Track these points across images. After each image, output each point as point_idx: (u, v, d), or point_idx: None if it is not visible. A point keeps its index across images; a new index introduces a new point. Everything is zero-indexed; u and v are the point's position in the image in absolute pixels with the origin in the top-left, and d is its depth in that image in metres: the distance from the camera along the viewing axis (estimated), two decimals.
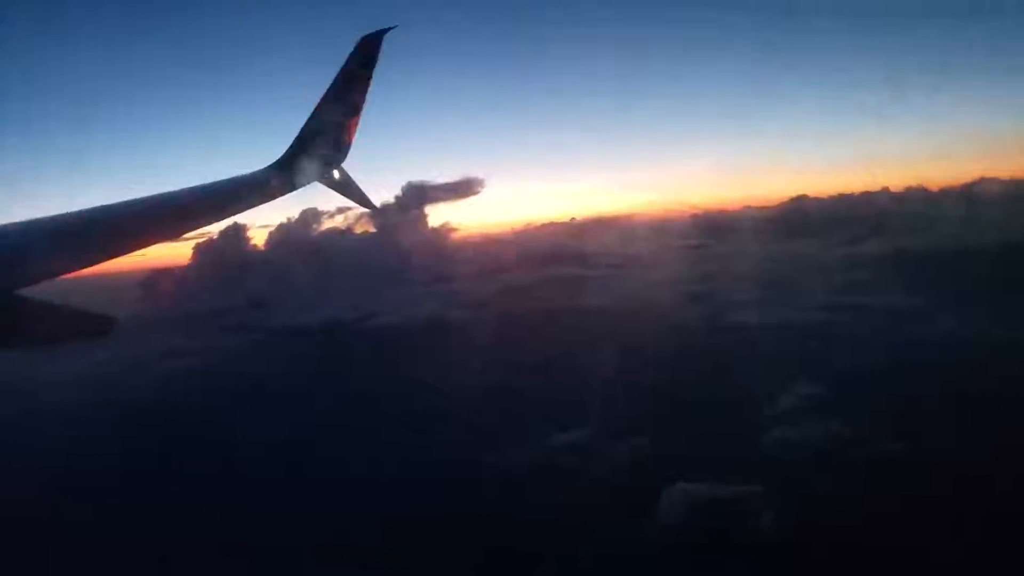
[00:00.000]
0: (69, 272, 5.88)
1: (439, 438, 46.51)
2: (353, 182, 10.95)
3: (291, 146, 9.83)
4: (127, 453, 47.85)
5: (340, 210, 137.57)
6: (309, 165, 9.92)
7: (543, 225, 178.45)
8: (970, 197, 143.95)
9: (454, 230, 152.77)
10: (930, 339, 57.01)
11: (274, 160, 9.83)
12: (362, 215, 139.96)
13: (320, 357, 70.62)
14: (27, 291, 5.19)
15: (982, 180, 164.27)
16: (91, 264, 6.18)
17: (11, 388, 57.83)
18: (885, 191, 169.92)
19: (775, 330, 65.24)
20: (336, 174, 10.59)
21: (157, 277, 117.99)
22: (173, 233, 7.52)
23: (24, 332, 5.22)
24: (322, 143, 10.02)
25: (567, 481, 40.08)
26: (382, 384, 59.04)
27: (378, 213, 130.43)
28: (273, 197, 9.22)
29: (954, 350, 53.24)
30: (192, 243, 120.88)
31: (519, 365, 58.60)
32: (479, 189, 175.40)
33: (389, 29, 9.55)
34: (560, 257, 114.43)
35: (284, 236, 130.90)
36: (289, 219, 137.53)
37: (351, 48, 9.55)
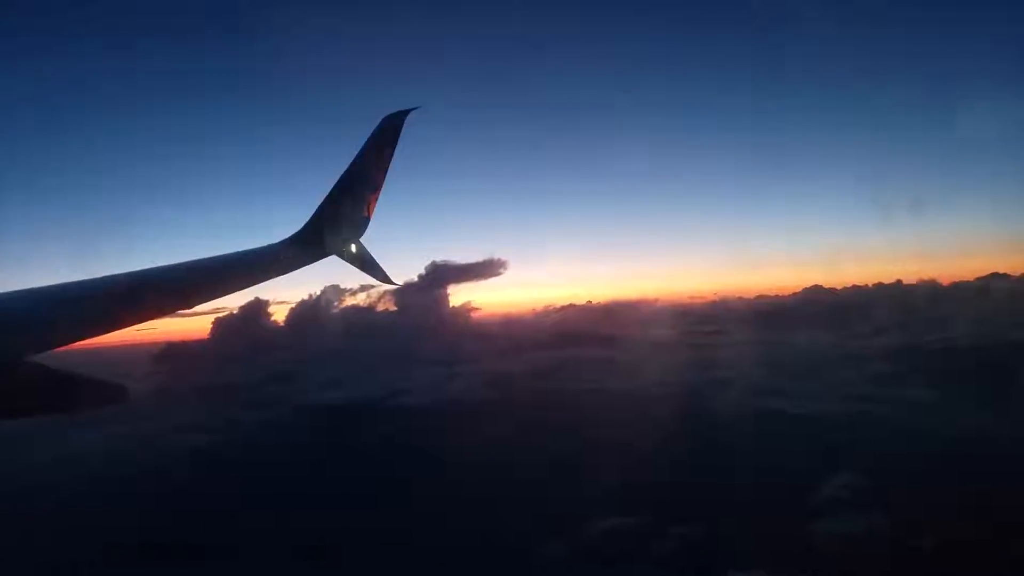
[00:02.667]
0: (80, 340, 5.79)
1: (474, 524, 45.77)
2: (371, 257, 10.86)
3: (310, 219, 9.87)
4: (143, 529, 47.46)
5: (363, 287, 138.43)
6: (327, 239, 9.91)
7: (563, 307, 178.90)
8: (982, 293, 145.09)
9: (475, 309, 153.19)
10: (954, 433, 57.06)
11: (293, 233, 9.85)
12: (384, 293, 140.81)
13: (345, 436, 69.75)
14: (38, 358, 5.14)
15: (993, 276, 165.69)
16: (103, 332, 6.09)
17: (28, 459, 57.51)
18: (899, 284, 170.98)
19: (804, 419, 65.22)
20: (354, 248, 10.56)
21: (176, 350, 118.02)
22: (188, 303, 7.48)
23: (35, 399, 5.13)
24: (341, 217, 10.05)
25: (613, 570, 39.66)
26: (412, 468, 58.02)
27: (397, 289, 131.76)
28: (290, 270, 9.16)
29: (976, 444, 53.27)
30: (211, 317, 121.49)
31: (551, 448, 58.30)
32: (502, 271, 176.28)
33: (412, 109, 9.83)
34: (581, 339, 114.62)
35: (304, 312, 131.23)
36: (311, 295, 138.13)
37: (375, 125, 9.81)
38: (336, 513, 49.41)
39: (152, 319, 6.92)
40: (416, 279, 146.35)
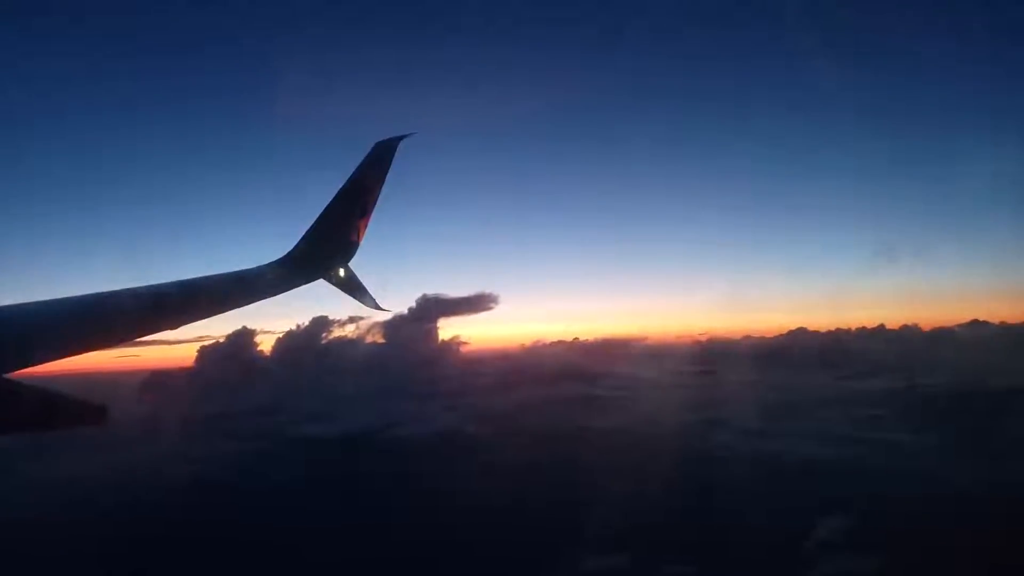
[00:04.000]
0: (59, 358, 5.70)
1: (469, 560, 45.60)
2: (359, 282, 10.78)
3: (299, 242, 9.86)
4: (130, 559, 46.72)
5: (351, 319, 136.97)
6: (315, 262, 9.92)
7: (552, 343, 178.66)
8: (963, 339, 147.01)
9: (464, 343, 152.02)
10: (945, 475, 57.54)
11: (282, 255, 9.84)
12: (373, 325, 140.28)
13: (337, 469, 69.07)
14: (16, 376, 5.05)
15: (973, 323, 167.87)
16: (84, 351, 5.99)
17: (18, 488, 56.68)
18: (882, 328, 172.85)
19: (796, 460, 65.66)
20: (343, 273, 10.50)
21: (161, 379, 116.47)
22: (176, 322, 7.39)
23: (13, 417, 5.02)
24: (330, 241, 10.04)
25: None
26: (405, 503, 57.58)
27: (387, 322, 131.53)
28: (278, 292, 9.11)
29: (967, 487, 53.70)
30: (196, 345, 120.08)
31: (543, 485, 58.13)
32: (493, 305, 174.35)
33: (405, 136, 9.86)
34: (570, 376, 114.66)
35: (292, 343, 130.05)
36: (298, 326, 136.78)
37: (368, 149, 9.81)
38: (331, 547, 48.94)
39: (139, 337, 6.88)
40: (407, 312, 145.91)
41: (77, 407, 5.20)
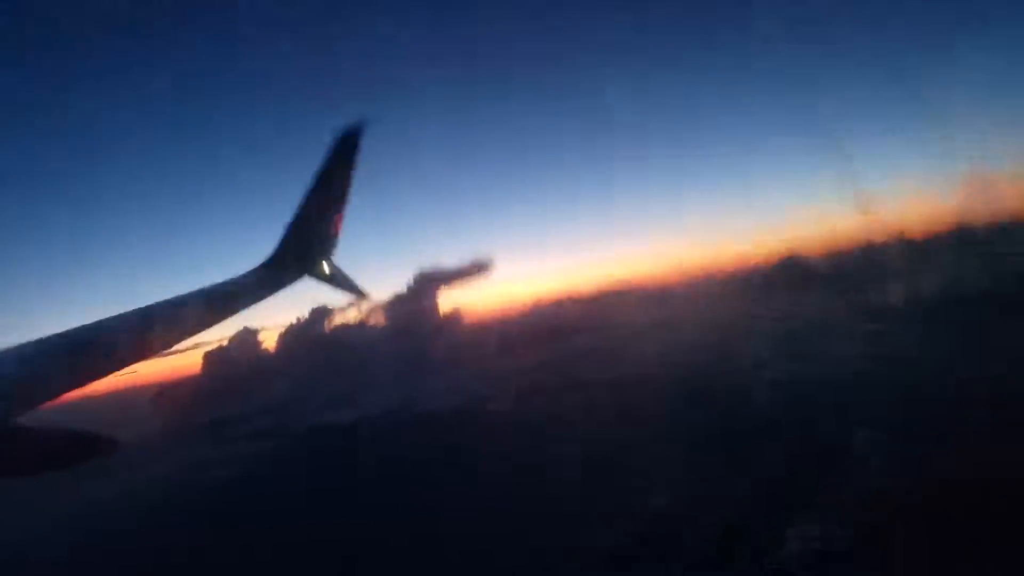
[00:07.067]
0: (65, 394, 5.75)
1: (521, 522, 45.93)
2: (343, 274, 10.91)
3: (278, 244, 9.90)
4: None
5: (351, 304, 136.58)
6: (297, 262, 10.02)
7: (552, 302, 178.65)
8: (955, 244, 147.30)
9: (466, 312, 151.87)
10: (967, 381, 58.03)
11: (263, 261, 9.87)
12: (374, 307, 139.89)
13: (366, 452, 69.28)
14: (28, 416, 5.18)
15: (960, 227, 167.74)
16: (89, 383, 6.07)
17: (38, 512, 56.64)
18: (870, 244, 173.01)
19: (817, 383, 66.13)
20: (325, 267, 10.63)
21: (171, 390, 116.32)
22: (169, 343, 7.43)
23: (20, 461, 5.20)
24: (308, 239, 10.07)
25: (676, 547, 40.28)
26: (444, 475, 57.99)
27: (388, 302, 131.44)
28: (264, 297, 9.14)
29: (993, 391, 54.29)
30: (202, 351, 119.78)
31: (579, 440, 58.54)
32: (489, 270, 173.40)
33: (368, 122, 9.58)
34: (578, 330, 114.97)
35: (295, 336, 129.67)
36: (299, 318, 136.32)
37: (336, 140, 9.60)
38: (376, 527, 49.32)
39: (134, 363, 6.90)
40: (405, 289, 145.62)
41: (87, 441, 5.39)
